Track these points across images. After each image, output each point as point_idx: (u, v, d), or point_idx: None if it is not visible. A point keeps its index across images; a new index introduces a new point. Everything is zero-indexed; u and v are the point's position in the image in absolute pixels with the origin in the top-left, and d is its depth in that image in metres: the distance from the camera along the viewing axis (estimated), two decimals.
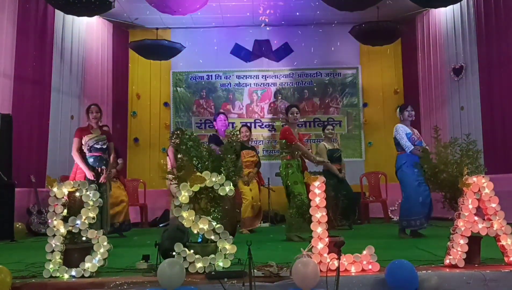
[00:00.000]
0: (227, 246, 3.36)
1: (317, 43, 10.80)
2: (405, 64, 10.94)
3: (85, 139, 5.93)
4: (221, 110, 7.16)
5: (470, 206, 3.39)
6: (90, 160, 5.91)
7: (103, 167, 5.93)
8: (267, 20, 9.06)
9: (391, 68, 11.01)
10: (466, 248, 3.29)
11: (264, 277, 3.03)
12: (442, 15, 9.49)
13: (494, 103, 8.04)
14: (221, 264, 3.31)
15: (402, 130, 5.82)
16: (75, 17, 9.01)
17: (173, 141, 7.07)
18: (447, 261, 3.33)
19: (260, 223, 8.63)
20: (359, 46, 10.54)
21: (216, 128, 6.73)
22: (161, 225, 9.00)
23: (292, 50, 10.88)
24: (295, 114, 5.96)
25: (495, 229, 3.36)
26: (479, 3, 8.43)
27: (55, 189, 3.39)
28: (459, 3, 8.53)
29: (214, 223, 3.42)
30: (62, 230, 3.33)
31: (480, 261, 3.39)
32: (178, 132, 7.25)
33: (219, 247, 3.36)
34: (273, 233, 6.80)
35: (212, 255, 3.33)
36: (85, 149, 5.93)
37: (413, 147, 5.68)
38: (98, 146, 5.94)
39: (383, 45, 9.73)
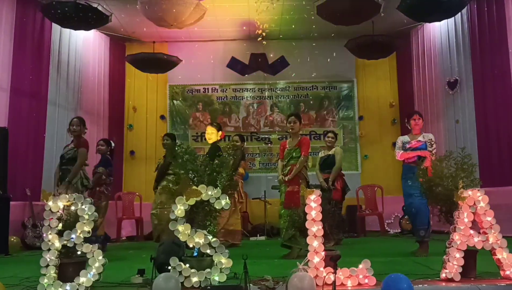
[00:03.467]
0: (223, 260, 3.35)
1: (313, 57, 10.86)
2: (400, 78, 11.02)
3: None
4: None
5: (466, 220, 3.40)
6: (60, 174, 5.88)
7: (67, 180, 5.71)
8: (263, 34, 9.11)
9: (387, 81, 11.08)
10: (462, 262, 3.29)
11: None
12: (437, 29, 9.59)
13: (489, 116, 8.09)
14: (217, 278, 3.30)
15: (398, 142, 5.82)
16: (72, 31, 9.03)
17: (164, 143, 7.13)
18: (443, 275, 3.33)
19: (256, 236, 8.65)
20: (354, 59, 10.61)
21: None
22: None
23: (288, 63, 10.94)
24: (292, 123, 5.64)
25: (491, 243, 3.37)
26: (473, 17, 8.53)
27: (50, 203, 3.38)
28: (453, 18, 8.63)
29: (210, 237, 3.41)
30: (57, 244, 3.31)
31: (476, 275, 3.39)
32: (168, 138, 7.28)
33: (215, 261, 3.34)
34: (270, 247, 6.77)
35: (208, 269, 3.31)
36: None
37: (400, 153, 5.68)
38: (64, 160, 5.87)
39: (378, 58, 9.80)
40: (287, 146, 5.72)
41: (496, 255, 3.37)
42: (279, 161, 5.80)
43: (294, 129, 5.65)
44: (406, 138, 5.77)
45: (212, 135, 6.94)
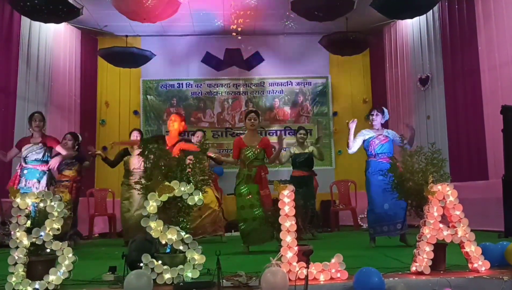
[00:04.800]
0: (196, 256, 3.32)
1: (288, 53, 10.90)
2: (373, 74, 11.15)
3: (23, 150, 5.74)
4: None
5: (435, 214, 3.45)
6: (24, 172, 5.67)
7: (36, 180, 5.65)
8: (239, 29, 9.10)
9: (360, 77, 11.20)
10: (431, 255, 3.34)
11: (233, 287, 3.01)
12: (409, 26, 9.73)
13: (459, 112, 8.26)
14: (189, 274, 3.27)
15: (360, 134, 5.89)
16: (42, 24, 8.83)
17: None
18: (413, 268, 3.38)
19: (231, 231, 8.63)
20: (328, 56, 10.69)
21: None
22: None
23: (263, 59, 10.94)
24: (252, 120, 5.72)
25: (460, 236, 3.43)
26: (444, 15, 8.68)
27: (18, 200, 3.29)
28: (424, 15, 8.77)
29: (182, 233, 3.38)
30: (26, 241, 3.23)
31: (445, 268, 3.45)
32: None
33: (188, 258, 3.32)
34: (242, 243, 6.75)
35: (181, 266, 3.28)
36: (22, 162, 5.73)
37: (352, 151, 5.94)
38: (33, 157, 5.71)
39: (352, 55, 9.89)
40: (244, 144, 5.71)
41: (464, 248, 3.44)
42: (232, 159, 5.90)
43: (254, 126, 5.76)
44: (370, 132, 5.85)
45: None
